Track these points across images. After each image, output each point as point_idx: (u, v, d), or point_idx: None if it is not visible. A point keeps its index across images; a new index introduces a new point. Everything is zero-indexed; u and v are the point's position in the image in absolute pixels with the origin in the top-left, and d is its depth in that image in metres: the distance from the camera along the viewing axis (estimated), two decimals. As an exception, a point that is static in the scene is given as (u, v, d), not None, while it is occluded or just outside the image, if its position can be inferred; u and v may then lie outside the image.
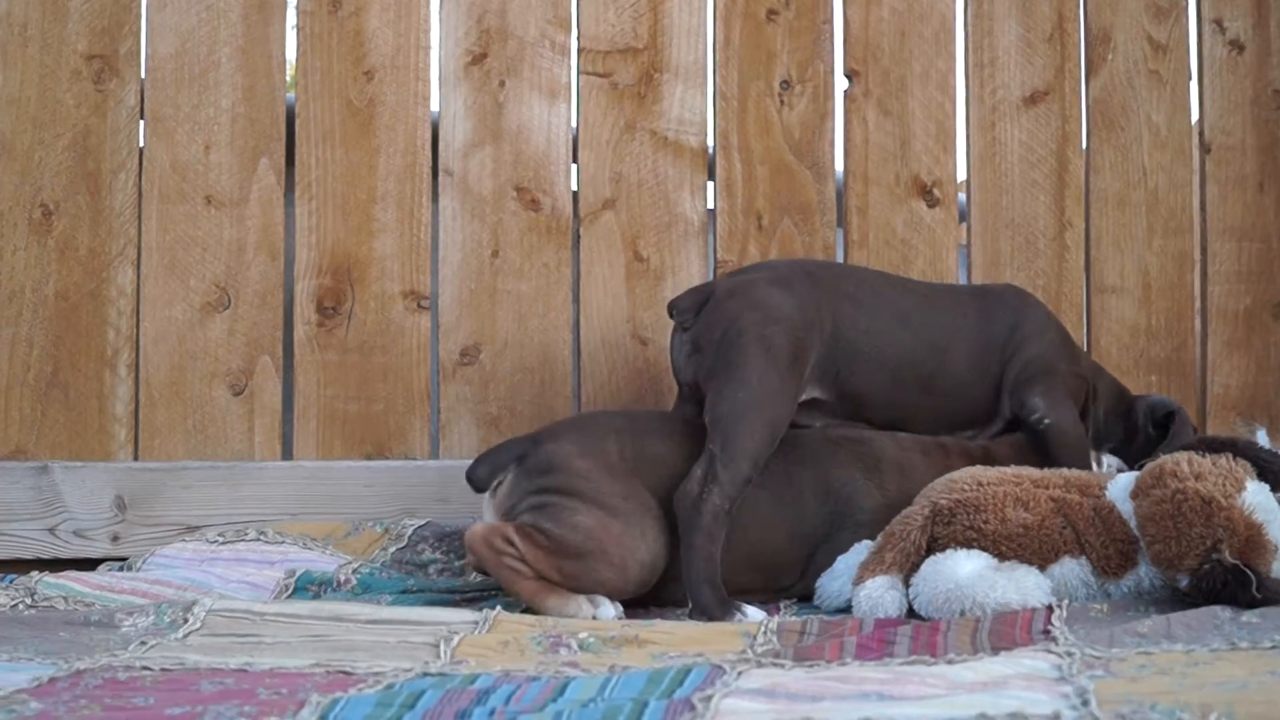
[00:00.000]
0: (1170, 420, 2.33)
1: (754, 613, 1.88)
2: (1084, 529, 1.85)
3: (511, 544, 1.89)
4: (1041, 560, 1.83)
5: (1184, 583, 1.75)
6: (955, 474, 1.94)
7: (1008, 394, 2.24)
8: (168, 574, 2.13)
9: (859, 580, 1.85)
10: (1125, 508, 1.85)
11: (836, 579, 1.96)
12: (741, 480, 1.95)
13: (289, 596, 2.06)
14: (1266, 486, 1.81)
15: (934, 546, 1.86)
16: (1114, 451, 2.34)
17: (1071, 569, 1.84)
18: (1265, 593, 1.65)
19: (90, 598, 1.98)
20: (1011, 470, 1.94)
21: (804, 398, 2.12)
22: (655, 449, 2.04)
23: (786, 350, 2.05)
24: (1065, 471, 1.95)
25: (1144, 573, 1.83)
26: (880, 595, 1.82)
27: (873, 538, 1.99)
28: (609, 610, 1.88)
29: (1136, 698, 1.20)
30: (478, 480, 2.01)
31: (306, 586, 2.09)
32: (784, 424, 2.03)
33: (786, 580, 2.07)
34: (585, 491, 1.93)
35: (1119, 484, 1.89)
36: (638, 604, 1.98)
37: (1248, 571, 1.67)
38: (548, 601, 1.87)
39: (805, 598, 2.05)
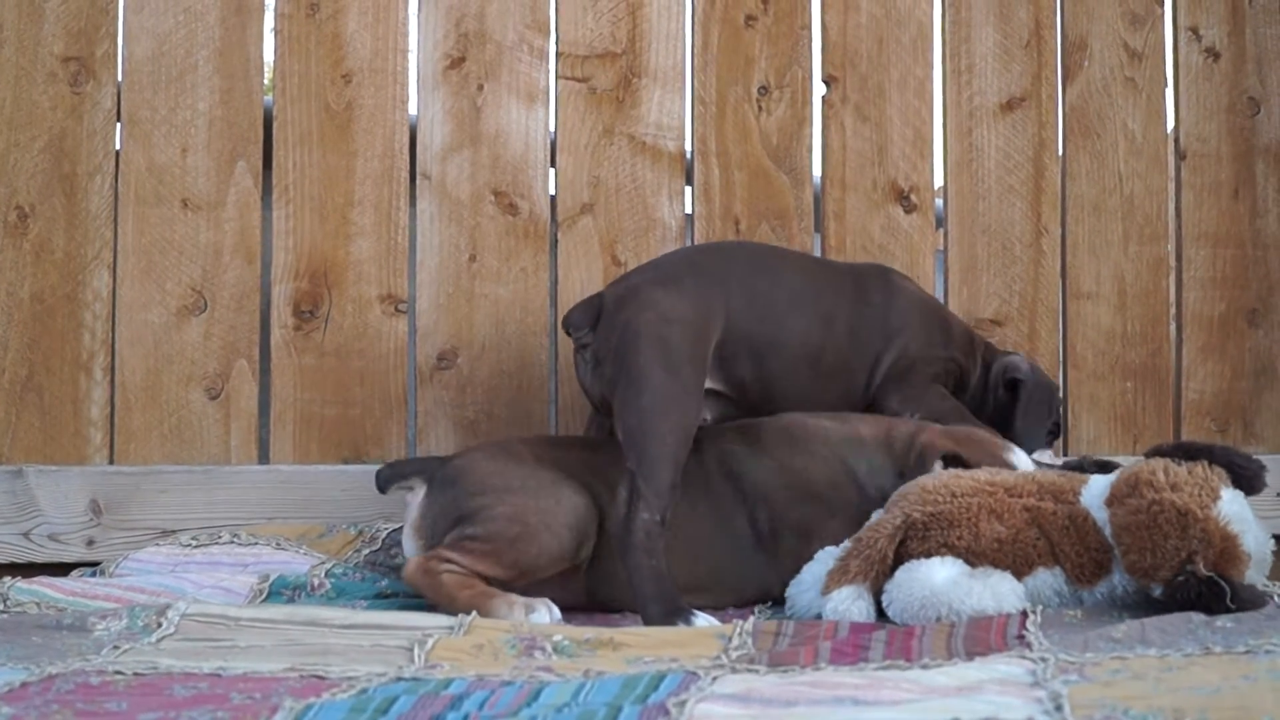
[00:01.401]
0: (1017, 387, 2.34)
1: (703, 620, 1.85)
2: (1058, 539, 1.83)
3: (449, 560, 1.93)
4: (1015, 573, 1.82)
5: (1158, 591, 1.75)
6: (929, 483, 1.91)
7: (875, 393, 2.28)
8: (141, 580, 2.11)
9: (826, 590, 1.83)
10: (1100, 515, 1.84)
11: (805, 591, 1.94)
12: (666, 488, 1.94)
13: (263, 601, 2.05)
14: (1241, 494, 1.80)
15: (905, 556, 1.85)
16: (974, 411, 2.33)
17: (1045, 580, 1.83)
18: (1238, 602, 1.65)
19: (63, 604, 1.96)
20: (985, 477, 1.92)
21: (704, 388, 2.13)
22: (576, 454, 2.10)
23: (685, 348, 2.06)
24: (1039, 476, 1.93)
25: (1118, 580, 1.82)
26: (848, 606, 1.80)
27: (778, 518, 2.04)
28: (544, 615, 1.87)
29: (1110, 702, 1.20)
30: (381, 480, 2.07)
31: (280, 591, 2.07)
32: (695, 421, 2.03)
33: (730, 578, 2.06)
34: (495, 485, 1.99)
35: (1093, 490, 1.87)
36: (614, 611, 1.98)
37: (1222, 583, 1.67)
38: (488, 607, 1.87)
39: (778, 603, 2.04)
